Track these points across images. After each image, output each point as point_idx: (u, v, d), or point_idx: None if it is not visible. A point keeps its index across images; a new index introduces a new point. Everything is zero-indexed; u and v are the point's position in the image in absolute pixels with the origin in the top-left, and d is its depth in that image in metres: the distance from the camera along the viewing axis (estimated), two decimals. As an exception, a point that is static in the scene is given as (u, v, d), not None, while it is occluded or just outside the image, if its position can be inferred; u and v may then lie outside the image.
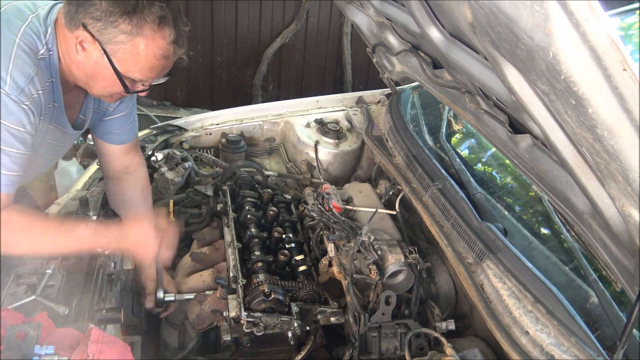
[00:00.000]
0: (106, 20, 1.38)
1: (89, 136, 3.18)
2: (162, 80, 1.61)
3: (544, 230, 2.02)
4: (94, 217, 1.86)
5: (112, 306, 1.61)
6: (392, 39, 2.10)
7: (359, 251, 1.78)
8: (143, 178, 1.97)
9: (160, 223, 1.72)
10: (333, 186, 2.17)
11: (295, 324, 1.65)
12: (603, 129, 0.88)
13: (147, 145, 2.47)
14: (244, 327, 1.63)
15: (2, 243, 1.41)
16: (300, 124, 2.73)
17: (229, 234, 1.99)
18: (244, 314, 1.63)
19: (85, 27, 1.40)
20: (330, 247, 1.90)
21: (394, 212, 2.04)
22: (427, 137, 2.38)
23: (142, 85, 1.56)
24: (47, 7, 1.51)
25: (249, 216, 2.05)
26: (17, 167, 1.40)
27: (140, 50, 1.44)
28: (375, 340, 1.64)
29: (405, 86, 2.69)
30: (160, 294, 1.76)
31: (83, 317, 1.49)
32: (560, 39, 0.82)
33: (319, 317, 1.75)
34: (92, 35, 1.41)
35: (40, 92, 1.41)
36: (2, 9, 1.43)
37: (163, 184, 2.32)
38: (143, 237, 1.65)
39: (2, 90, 1.32)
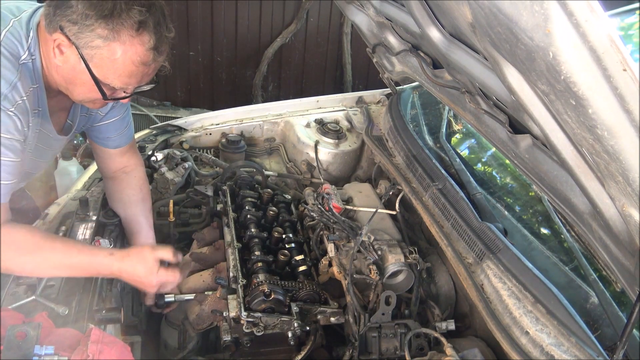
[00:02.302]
0: (82, 24, 1.33)
1: (89, 136, 3.19)
2: (145, 88, 1.54)
3: (544, 230, 2.02)
4: (94, 218, 1.86)
5: (112, 306, 1.61)
6: (392, 39, 2.10)
7: (359, 251, 1.78)
8: (141, 177, 1.96)
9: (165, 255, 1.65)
10: (333, 186, 2.17)
11: (295, 324, 1.65)
12: (603, 130, 0.88)
13: (147, 145, 2.47)
14: (244, 327, 1.63)
15: (5, 261, 1.37)
16: (300, 124, 2.73)
17: (229, 234, 1.99)
18: (244, 314, 1.63)
19: (62, 30, 1.35)
20: (330, 247, 1.90)
21: (394, 212, 2.04)
22: (427, 137, 2.38)
23: (124, 92, 1.50)
24: (31, 10, 1.47)
25: (249, 216, 2.05)
26: (9, 176, 1.37)
27: (118, 57, 1.38)
28: (375, 340, 1.64)
29: (405, 86, 2.69)
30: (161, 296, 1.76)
31: (83, 317, 1.49)
32: (560, 39, 0.82)
33: (319, 317, 1.75)
34: (69, 39, 1.36)
35: (25, 97, 1.37)
36: None
37: (163, 184, 2.32)
38: (140, 282, 1.61)
39: None
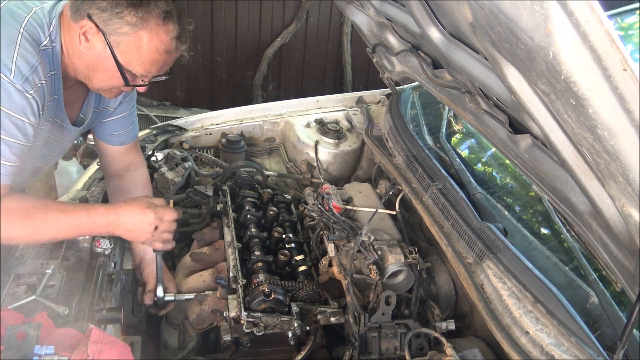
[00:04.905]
0: (112, 11, 1.40)
1: (89, 136, 3.19)
2: (162, 78, 1.61)
3: (544, 230, 2.02)
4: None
5: (112, 306, 1.60)
6: (392, 39, 2.10)
7: (359, 251, 1.78)
8: (144, 176, 1.98)
9: (157, 203, 1.66)
10: (333, 186, 2.17)
11: (295, 324, 1.65)
12: (603, 129, 0.88)
13: (147, 145, 2.47)
14: (244, 327, 1.63)
15: (4, 233, 1.40)
16: (300, 124, 2.73)
17: (229, 234, 1.99)
18: (244, 314, 1.63)
19: (90, 17, 1.41)
20: (330, 247, 1.90)
21: (394, 212, 2.04)
22: (427, 137, 2.38)
23: (142, 80, 1.56)
24: (54, 0, 1.53)
25: (249, 216, 2.05)
26: (15, 158, 1.39)
27: (144, 44, 1.45)
28: (375, 340, 1.64)
29: (405, 86, 2.69)
30: (160, 293, 1.76)
31: (83, 317, 1.48)
32: (561, 39, 0.82)
33: (319, 317, 1.75)
34: (97, 26, 1.42)
35: (44, 82, 1.41)
36: (7, 1, 1.45)
37: (163, 184, 2.32)
38: (137, 223, 1.60)
39: (7, 79, 1.32)
